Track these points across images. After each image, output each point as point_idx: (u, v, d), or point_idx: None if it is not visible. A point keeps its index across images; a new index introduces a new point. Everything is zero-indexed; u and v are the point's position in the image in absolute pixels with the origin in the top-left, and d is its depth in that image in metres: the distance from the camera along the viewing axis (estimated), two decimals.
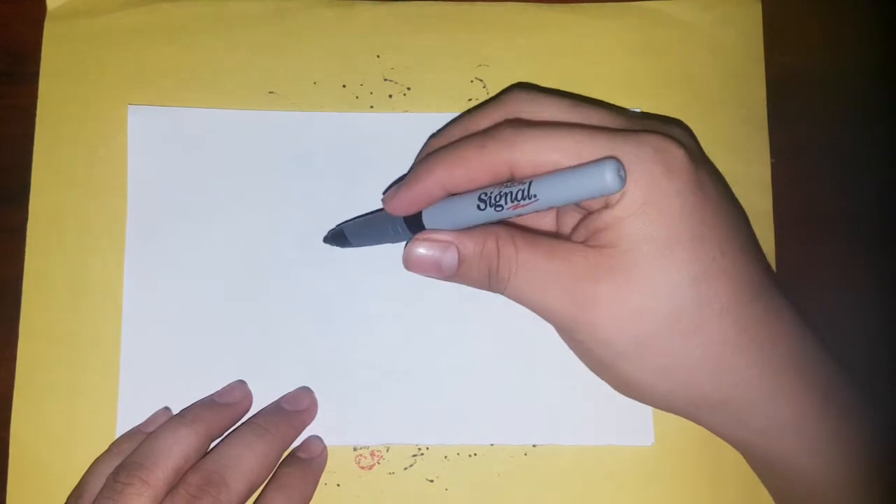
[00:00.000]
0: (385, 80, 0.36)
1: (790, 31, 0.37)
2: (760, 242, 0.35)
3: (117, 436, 0.33)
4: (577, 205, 0.28)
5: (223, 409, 0.33)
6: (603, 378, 0.30)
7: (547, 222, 0.32)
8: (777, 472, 0.30)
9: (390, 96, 0.36)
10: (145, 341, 0.34)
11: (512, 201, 0.26)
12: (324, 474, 0.33)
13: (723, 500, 0.34)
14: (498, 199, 0.26)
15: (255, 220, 0.35)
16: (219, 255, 0.35)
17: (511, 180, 0.27)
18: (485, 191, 0.27)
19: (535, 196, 0.25)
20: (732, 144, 0.36)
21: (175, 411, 0.33)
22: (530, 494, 0.34)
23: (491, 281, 0.28)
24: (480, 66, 0.36)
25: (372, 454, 0.34)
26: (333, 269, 0.35)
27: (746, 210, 0.34)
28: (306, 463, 0.33)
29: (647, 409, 0.34)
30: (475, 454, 0.34)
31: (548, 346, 0.34)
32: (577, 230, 0.28)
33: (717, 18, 0.37)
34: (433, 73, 0.36)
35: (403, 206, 0.30)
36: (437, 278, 0.29)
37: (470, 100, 0.36)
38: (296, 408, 0.33)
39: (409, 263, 0.29)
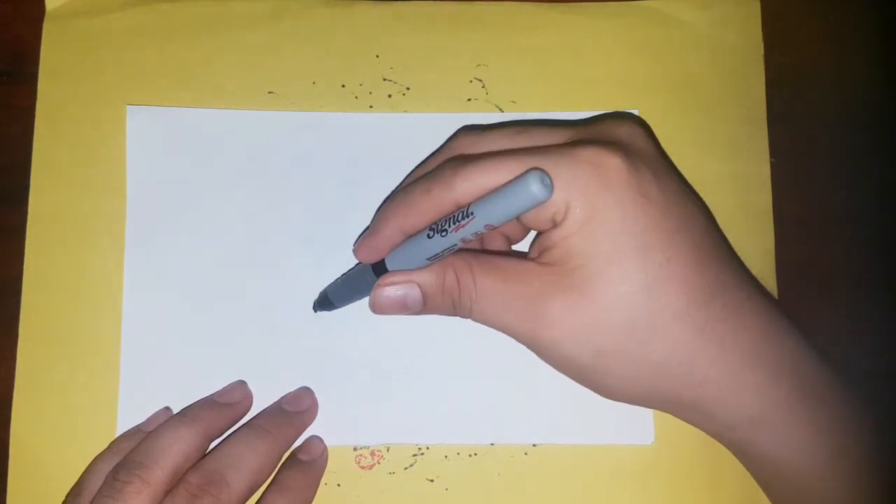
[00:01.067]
0: (384, 79, 0.36)
1: (789, 30, 0.37)
2: (760, 242, 0.35)
3: (117, 435, 0.33)
4: (528, 226, 0.29)
5: (223, 409, 0.33)
6: (581, 385, 0.30)
7: (502, 244, 0.33)
8: (756, 463, 0.30)
9: (389, 96, 0.36)
10: (145, 341, 0.34)
11: (454, 223, 0.27)
12: (324, 474, 0.33)
13: (723, 499, 0.34)
14: (443, 224, 0.28)
15: (254, 219, 0.35)
16: (218, 255, 0.35)
17: None
18: (434, 223, 0.28)
19: (472, 214, 0.26)
20: (732, 144, 0.36)
21: (175, 411, 0.33)
22: (530, 494, 0.34)
23: (456, 309, 0.30)
24: (480, 66, 0.36)
25: (372, 454, 0.34)
26: (334, 268, 0.35)
27: (746, 210, 0.34)
28: (307, 465, 0.33)
29: (647, 409, 0.34)
30: (475, 454, 0.34)
31: None
32: (532, 249, 0.29)
33: (717, 18, 0.37)
34: (432, 73, 0.36)
35: (369, 253, 0.31)
36: (405, 314, 0.30)
37: (469, 99, 0.36)
38: (296, 408, 0.33)
39: (376, 307, 0.30)
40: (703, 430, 0.30)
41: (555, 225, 0.27)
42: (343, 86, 0.36)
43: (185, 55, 0.36)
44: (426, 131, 0.36)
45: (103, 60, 0.36)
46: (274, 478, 0.32)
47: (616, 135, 0.29)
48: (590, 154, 0.27)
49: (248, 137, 0.35)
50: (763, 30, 0.36)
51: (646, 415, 0.34)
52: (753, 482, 0.33)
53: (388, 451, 0.34)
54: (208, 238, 0.35)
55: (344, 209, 0.35)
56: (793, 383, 0.28)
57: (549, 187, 0.25)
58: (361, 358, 0.34)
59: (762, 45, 0.36)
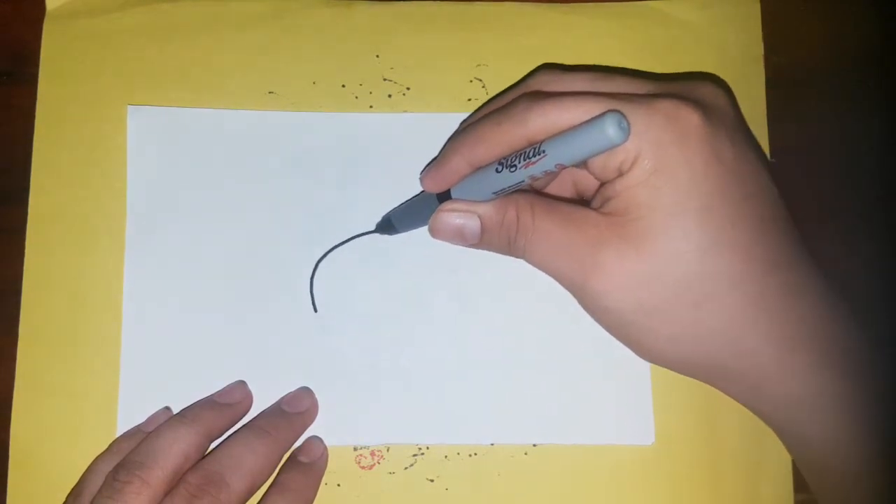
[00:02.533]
0: (384, 79, 0.36)
1: (789, 30, 0.37)
2: None
3: (117, 435, 0.33)
4: (594, 174, 0.28)
5: (223, 409, 0.33)
6: (618, 340, 0.30)
7: (571, 192, 0.32)
8: (797, 445, 0.30)
9: (390, 96, 0.36)
10: (145, 341, 0.34)
11: (524, 160, 0.27)
12: (324, 474, 0.33)
13: (723, 500, 0.34)
14: (513, 160, 0.27)
15: (254, 219, 0.35)
16: (218, 255, 0.35)
17: None
18: (504, 157, 0.28)
19: (543, 152, 0.26)
20: None
21: (175, 411, 0.33)
22: (530, 494, 0.34)
23: (510, 248, 0.29)
24: (479, 65, 0.36)
25: (372, 454, 0.34)
26: (334, 268, 0.35)
27: None
28: (308, 466, 0.33)
29: (648, 409, 0.34)
30: (475, 454, 0.34)
31: (548, 345, 0.34)
32: (595, 198, 0.29)
33: (717, 18, 0.37)
34: (432, 72, 0.36)
35: (435, 183, 0.31)
36: (461, 245, 0.30)
37: (469, 99, 0.36)
38: (296, 409, 0.33)
39: (434, 230, 0.30)
40: (744, 404, 0.30)
41: (621, 174, 0.27)
42: (343, 86, 0.36)
43: (186, 55, 0.36)
44: (426, 131, 0.36)
45: (103, 60, 0.36)
46: (274, 479, 0.32)
47: (698, 93, 0.28)
48: (668, 106, 0.26)
49: (249, 137, 0.35)
50: (763, 30, 0.36)
51: (646, 415, 0.34)
52: (753, 482, 0.33)
53: (388, 451, 0.34)
54: (208, 238, 0.35)
55: (344, 209, 0.35)
56: (842, 371, 0.28)
57: (626, 131, 0.24)
58: (361, 358, 0.34)
59: (762, 45, 0.36)
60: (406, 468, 0.34)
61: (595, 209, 0.28)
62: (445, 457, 0.34)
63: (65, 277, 0.34)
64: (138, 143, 0.35)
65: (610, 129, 0.24)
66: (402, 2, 0.37)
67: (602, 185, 0.28)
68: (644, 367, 0.34)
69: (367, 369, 0.34)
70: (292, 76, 0.36)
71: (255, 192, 0.35)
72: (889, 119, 0.36)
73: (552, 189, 0.32)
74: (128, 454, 0.30)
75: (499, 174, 0.28)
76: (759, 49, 0.36)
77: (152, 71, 0.36)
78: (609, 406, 0.34)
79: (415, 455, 0.34)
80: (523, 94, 0.30)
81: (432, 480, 0.34)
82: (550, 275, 0.29)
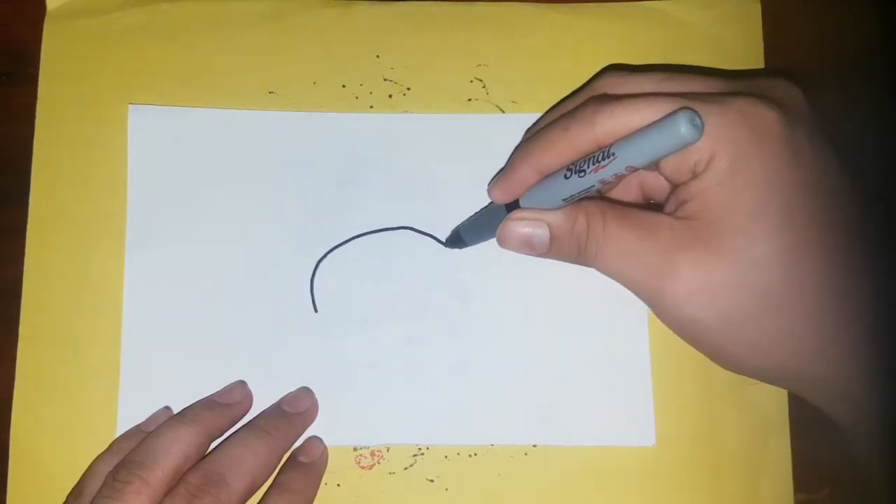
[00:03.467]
0: (385, 80, 0.36)
1: (789, 31, 0.37)
2: None
3: (117, 435, 0.33)
4: (666, 176, 0.28)
5: (223, 409, 0.33)
6: (695, 348, 0.28)
7: (637, 197, 0.32)
8: (858, 431, 0.28)
9: (390, 96, 0.36)
10: (145, 341, 0.34)
11: (593, 164, 0.26)
12: (324, 474, 0.33)
13: (723, 501, 0.34)
14: (582, 165, 0.27)
15: (254, 219, 0.35)
16: (219, 255, 0.35)
17: None
18: (572, 163, 0.27)
19: (613, 154, 0.25)
20: None
21: (175, 411, 0.33)
22: (530, 494, 0.34)
23: (580, 256, 0.29)
24: (480, 66, 0.36)
25: (372, 454, 0.34)
26: (334, 268, 0.35)
27: None
28: (307, 466, 0.33)
29: (649, 410, 0.34)
30: (475, 454, 0.34)
31: (548, 346, 0.34)
32: (668, 202, 0.28)
33: (717, 19, 0.37)
34: (433, 73, 0.36)
35: (503, 193, 0.30)
36: (530, 254, 0.30)
37: (469, 100, 0.36)
38: (296, 409, 0.33)
39: (502, 239, 0.30)
40: (830, 412, 0.28)
41: (695, 175, 0.26)
42: (343, 86, 0.36)
43: (186, 55, 0.36)
44: (426, 131, 0.36)
45: (104, 61, 0.36)
46: (274, 479, 0.32)
47: (772, 91, 0.27)
48: (743, 105, 0.26)
49: (249, 137, 0.35)
50: (763, 30, 0.36)
51: (647, 416, 0.34)
52: (753, 483, 0.33)
53: (388, 451, 0.34)
54: (208, 238, 0.35)
55: (344, 209, 0.35)
56: None
57: (700, 128, 0.23)
58: (361, 358, 0.34)
59: (762, 45, 0.36)
60: (406, 468, 0.34)
61: (669, 213, 0.27)
62: (445, 457, 0.34)
63: (65, 277, 0.34)
64: (139, 142, 0.35)
65: (682, 126, 0.23)
66: (402, 2, 0.37)
67: (675, 188, 0.27)
68: (645, 368, 0.34)
69: (367, 369, 0.34)
70: (292, 76, 0.36)
71: (255, 191, 0.35)
72: (889, 119, 0.36)
73: (617, 194, 0.31)
74: (128, 454, 0.30)
75: (567, 180, 0.27)
76: (760, 50, 0.36)
77: (152, 71, 0.36)
78: (609, 407, 0.34)
79: (415, 455, 0.34)
80: (590, 97, 0.29)
81: (432, 480, 0.34)
82: (623, 283, 0.28)
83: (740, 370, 0.28)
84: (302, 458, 0.33)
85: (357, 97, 0.36)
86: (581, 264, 0.29)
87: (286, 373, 0.34)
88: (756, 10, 0.37)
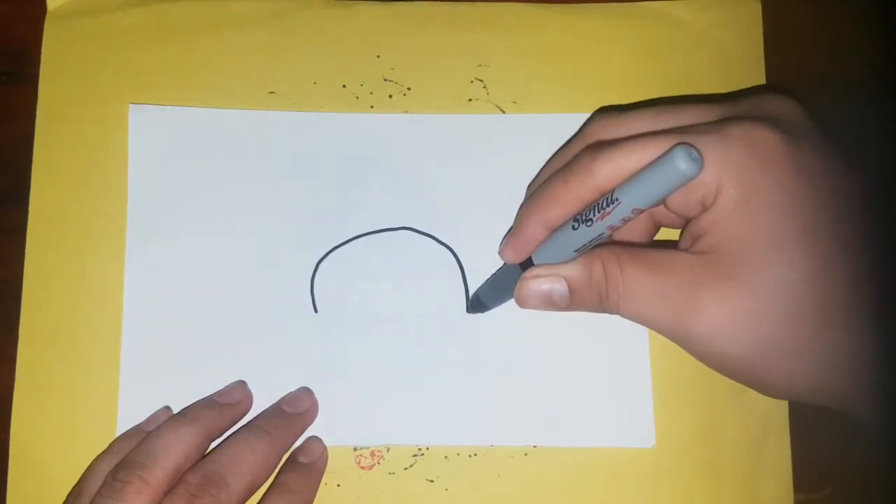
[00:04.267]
0: (385, 80, 0.36)
1: (790, 31, 0.37)
2: None
3: (117, 435, 0.33)
4: (676, 213, 0.27)
5: (223, 409, 0.33)
6: (735, 381, 0.28)
7: (648, 225, 0.31)
8: None
9: (390, 96, 0.36)
10: (145, 341, 0.34)
11: (599, 212, 0.26)
12: (324, 474, 0.33)
13: (723, 502, 0.34)
14: (588, 214, 0.26)
15: (255, 219, 0.35)
16: (219, 255, 0.35)
17: None
18: (578, 213, 0.27)
19: (616, 200, 0.25)
20: None
21: (175, 411, 0.33)
22: (530, 495, 0.34)
23: (603, 305, 0.28)
24: (480, 66, 0.36)
25: (372, 454, 0.34)
26: (334, 268, 0.35)
27: None
28: (307, 467, 0.33)
29: (649, 412, 0.34)
30: (475, 454, 0.34)
31: (549, 347, 0.34)
32: (683, 238, 0.28)
33: (717, 19, 0.37)
34: (433, 73, 0.36)
35: (515, 252, 0.30)
36: (553, 310, 0.29)
37: (470, 100, 0.36)
38: (296, 409, 0.33)
39: (521, 300, 0.29)
40: (874, 431, 0.28)
41: (705, 209, 0.25)
42: (344, 86, 0.36)
43: (186, 55, 0.36)
44: (427, 132, 0.36)
45: (104, 61, 0.36)
46: (274, 480, 0.32)
47: (768, 109, 0.27)
48: (741, 129, 0.25)
49: (249, 137, 0.35)
50: (763, 30, 0.36)
51: (647, 418, 0.34)
52: (754, 485, 0.33)
53: (388, 451, 0.34)
54: (208, 238, 0.35)
55: (344, 209, 0.35)
56: None
57: (699, 161, 0.23)
58: (361, 358, 0.34)
59: (762, 45, 0.36)
60: (406, 468, 0.34)
61: (685, 249, 0.27)
62: (445, 457, 0.34)
63: (65, 277, 0.34)
64: (139, 141, 0.35)
65: (680, 162, 0.23)
66: (402, 2, 0.37)
67: (687, 222, 0.27)
68: (645, 369, 0.34)
69: (366, 369, 0.34)
70: (293, 76, 0.36)
71: (255, 191, 0.35)
72: (890, 119, 0.36)
73: (629, 228, 0.30)
74: (128, 454, 0.30)
75: (576, 231, 0.27)
76: (760, 50, 0.36)
77: (153, 71, 0.36)
78: (609, 409, 0.34)
79: (415, 455, 0.34)
80: (586, 146, 0.29)
81: (432, 481, 0.34)
82: (650, 327, 0.27)
83: (782, 396, 0.27)
84: (302, 459, 0.33)
85: (357, 97, 0.36)
86: (606, 312, 0.28)
87: (286, 373, 0.34)
88: (756, 10, 0.37)
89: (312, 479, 0.33)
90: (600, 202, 0.26)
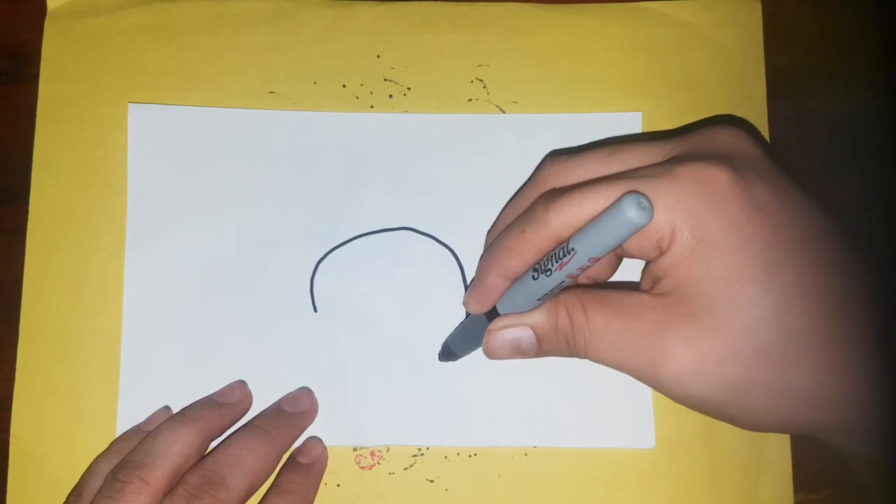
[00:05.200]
0: (385, 80, 0.36)
1: (790, 31, 0.37)
2: None
3: (117, 435, 0.33)
4: (634, 257, 0.27)
5: (223, 409, 0.33)
6: (712, 418, 0.28)
7: (613, 259, 0.31)
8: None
9: (390, 96, 0.36)
10: (145, 341, 0.34)
11: (557, 262, 0.26)
12: (324, 474, 0.33)
13: (723, 503, 0.34)
14: (546, 264, 0.26)
15: (254, 219, 0.35)
16: (219, 255, 0.35)
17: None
18: (537, 263, 0.27)
19: (573, 250, 0.25)
20: None
21: (175, 410, 0.33)
22: (530, 495, 0.34)
23: (571, 351, 0.28)
24: (480, 66, 0.36)
25: (372, 454, 0.34)
26: (333, 268, 0.35)
27: None
28: (308, 468, 0.33)
29: (648, 413, 0.34)
30: (475, 454, 0.34)
31: None
32: (643, 278, 0.28)
33: (717, 18, 0.37)
34: (433, 73, 0.36)
35: (478, 304, 0.30)
36: (522, 358, 0.29)
37: (470, 100, 0.36)
38: (296, 409, 0.33)
39: (489, 352, 0.29)
40: (851, 455, 0.28)
41: (661, 252, 0.25)
42: (344, 86, 0.36)
43: (186, 55, 0.36)
44: (427, 132, 0.36)
45: (104, 61, 0.36)
46: (274, 480, 0.32)
47: (718, 144, 0.27)
48: (691, 170, 0.25)
49: (249, 137, 0.35)
50: (763, 30, 0.36)
51: (647, 419, 0.34)
52: (753, 486, 0.33)
53: (388, 451, 0.34)
54: (208, 237, 0.35)
55: (344, 209, 0.35)
56: None
57: (648, 210, 0.23)
58: (361, 358, 0.34)
59: (762, 45, 0.36)
60: (406, 468, 0.34)
61: (647, 290, 0.27)
62: (445, 457, 0.34)
63: (65, 277, 0.34)
64: (139, 140, 0.35)
65: (630, 211, 0.23)
66: (403, 2, 0.37)
67: (648, 263, 0.27)
68: None
69: (366, 369, 0.34)
70: (293, 76, 0.36)
71: (255, 191, 0.35)
72: (890, 119, 0.36)
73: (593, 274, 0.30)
74: (128, 454, 0.30)
75: (536, 281, 0.27)
76: (760, 50, 0.36)
77: (153, 71, 0.36)
78: (609, 409, 0.34)
79: (414, 455, 0.34)
80: (540, 195, 0.29)
81: (432, 481, 0.34)
82: (620, 370, 0.27)
83: (760, 430, 0.27)
84: (301, 459, 0.33)
85: (357, 97, 0.36)
86: (576, 357, 0.28)
87: (286, 373, 0.34)
88: (756, 11, 0.37)
89: (312, 480, 0.33)
90: (557, 252, 0.26)
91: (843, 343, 0.25)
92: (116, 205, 0.35)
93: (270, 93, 0.36)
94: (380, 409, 0.34)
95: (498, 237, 0.29)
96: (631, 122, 0.36)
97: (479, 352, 0.34)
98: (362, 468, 0.34)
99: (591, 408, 0.34)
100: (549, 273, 0.26)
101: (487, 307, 0.30)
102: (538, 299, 0.28)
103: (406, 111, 0.36)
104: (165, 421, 0.32)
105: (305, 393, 0.34)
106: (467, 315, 0.32)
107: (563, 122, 0.35)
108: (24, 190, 0.35)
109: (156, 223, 0.35)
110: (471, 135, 0.36)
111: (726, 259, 0.24)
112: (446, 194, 0.35)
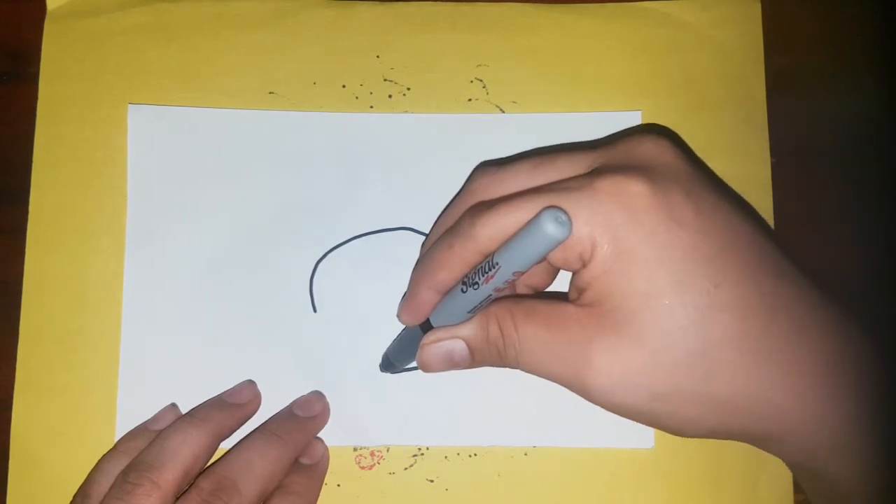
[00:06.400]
0: (385, 80, 0.36)
1: (789, 31, 0.37)
2: None
3: (117, 435, 0.33)
4: (559, 268, 0.28)
5: (233, 410, 0.33)
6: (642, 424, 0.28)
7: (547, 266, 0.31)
8: (820, 484, 0.28)
9: (390, 96, 0.36)
10: (145, 341, 0.34)
11: (483, 276, 0.26)
12: None
13: (723, 502, 0.34)
14: (474, 277, 0.27)
15: (254, 219, 0.35)
16: (218, 255, 0.35)
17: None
18: (465, 276, 0.28)
19: (497, 264, 0.25)
20: (732, 144, 0.36)
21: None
22: (530, 495, 0.34)
23: (503, 361, 0.28)
24: (480, 66, 0.36)
25: (372, 454, 0.34)
26: (333, 269, 0.35)
27: None
28: (310, 469, 0.33)
29: None
30: (475, 454, 0.34)
31: None
32: (570, 289, 0.28)
33: (718, 19, 0.37)
34: (433, 73, 0.36)
35: (410, 317, 0.30)
36: (457, 369, 0.29)
37: (470, 100, 0.36)
38: (308, 413, 0.33)
39: (424, 365, 0.29)
40: (773, 454, 0.28)
41: (584, 264, 0.26)
42: (343, 86, 0.36)
43: (186, 55, 0.36)
44: (427, 132, 0.36)
45: (104, 61, 0.36)
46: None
47: (639, 155, 0.27)
48: (609, 183, 0.25)
49: (249, 137, 0.35)
50: (763, 30, 0.36)
51: None
52: (753, 486, 0.33)
53: (388, 451, 0.34)
54: (208, 238, 0.35)
55: (344, 209, 0.35)
56: (865, 409, 0.26)
57: (567, 224, 0.23)
58: (361, 358, 0.34)
59: (762, 45, 0.36)
60: (406, 468, 0.34)
61: (574, 302, 0.27)
62: (445, 457, 0.34)
63: (65, 277, 0.34)
64: (139, 141, 0.35)
65: (549, 227, 0.23)
66: (402, 2, 0.37)
67: (574, 275, 0.27)
68: None
69: (366, 369, 0.34)
70: (293, 76, 0.36)
71: (254, 191, 0.35)
72: (890, 119, 0.36)
73: (530, 275, 0.31)
74: (138, 455, 0.30)
75: (465, 294, 0.27)
76: (760, 50, 0.36)
77: (153, 71, 0.36)
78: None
79: (415, 455, 0.34)
80: (468, 209, 0.29)
81: (432, 481, 0.34)
82: (549, 380, 0.28)
83: (692, 436, 0.28)
84: (304, 460, 0.33)
85: (357, 97, 0.36)
86: (508, 367, 0.29)
87: (285, 373, 0.34)
88: (756, 11, 0.37)
89: (315, 481, 0.33)
90: (483, 266, 0.26)
91: (768, 351, 0.25)
92: (116, 205, 0.35)
93: (270, 93, 0.36)
94: (380, 409, 0.34)
95: (428, 250, 0.30)
96: (630, 122, 0.36)
97: None
98: (362, 468, 0.34)
99: (590, 408, 0.34)
100: (476, 287, 0.27)
101: (420, 320, 0.30)
102: (469, 311, 0.28)
103: (406, 111, 0.36)
104: (175, 422, 0.32)
105: (317, 397, 0.34)
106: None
107: (563, 122, 0.35)
108: (24, 190, 0.35)
109: (155, 223, 0.35)
110: (470, 135, 0.36)
111: (644, 271, 0.25)
112: (446, 194, 0.35)
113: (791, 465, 0.29)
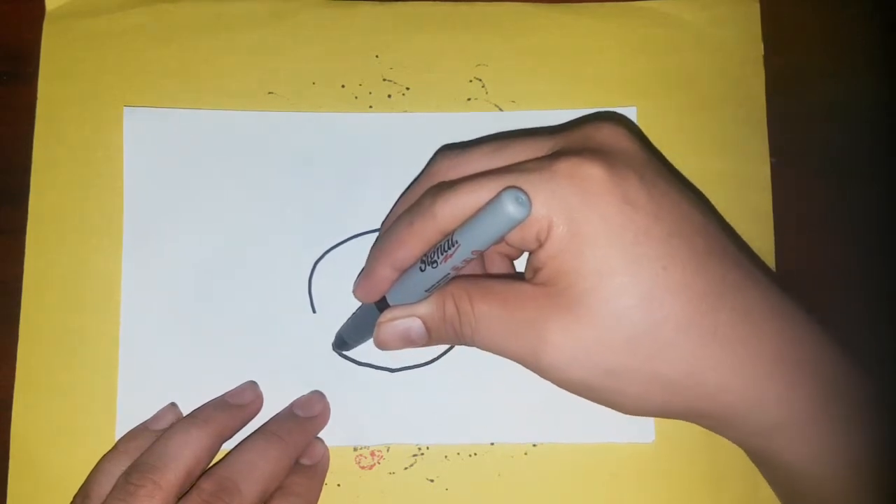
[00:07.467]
0: (384, 79, 0.36)
1: (789, 30, 0.37)
2: (760, 243, 0.35)
3: (117, 435, 0.33)
4: (517, 247, 0.29)
5: (234, 410, 0.33)
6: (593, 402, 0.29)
7: (508, 267, 0.32)
8: (775, 471, 0.30)
9: (389, 96, 0.36)
10: (144, 341, 0.34)
11: (442, 254, 0.27)
12: None
13: (723, 498, 0.34)
14: (433, 256, 0.27)
15: (252, 220, 0.35)
16: (217, 256, 0.35)
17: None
18: (424, 254, 0.28)
19: (456, 242, 0.26)
20: (732, 144, 0.36)
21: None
22: (530, 494, 0.34)
23: (459, 339, 0.29)
24: (480, 65, 0.36)
25: (372, 454, 0.34)
26: (332, 269, 0.35)
27: (746, 210, 0.34)
28: (311, 469, 0.33)
29: None
30: (475, 454, 0.34)
31: None
32: (526, 268, 0.29)
33: (717, 18, 0.37)
34: (432, 72, 0.36)
35: (366, 294, 0.31)
36: (414, 347, 0.30)
37: (469, 99, 0.36)
38: (308, 413, 0.33)
39: (380, 343, 0.30)
40: (726, 437, 0.29)
41: (540, 244, 0.27)
42: (343, 86, 0.36)
43: (186, 55, 0.36)
44: (426, 131, 0.36)
45: (103, 61, 0.36)
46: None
47: (597, 140, 0.28)
48: (567, 166, 0.26)
49: (248, 138, 0.35)
50: (763, 30, 0.36)
51: None
52: (753, 481, 0.33)
53: (388, 451, 0.34)
54: (206, 238, 0.35)
55: (344, 209, 0.35)
56: (813, 389, 0.27)
57: (526, 205, 0.24)
58: (360, 358, 0.34)
59: (762, 45, 0.36)
60: (406, 468, 0.34)
61: (529, 281, 0.28)
62: (445, 457, 0.34)
63: (65, 277, 0.34)
64: (134, 144, 0.35)
65: (509, 206, 0.24)
66: (401, 2, 0.37)
67: (530, 255, 0.28)
68: None
69: (366, 369, 0.34)
70: (292, 76, 0.36)
71: (253, 192, 0.35)
72: (890, 119, 0.36)
73: (487, 264, 0.32)
74: (140, 456, 0.30)
75: (424, 272, 0.28)
76: (759, 49, 0.36)
77: (152, 71, 0.36)
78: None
79: (415, 455, 0.34)
80: (428, 188, 0.29)
81: (432, 480, 0.34)
82: (504, 356, 0.28)
83: (638, 414, 0.28)
84: (304, 461, 0.33)
85: (356, 97, 0.36)
86: (464, 345, 0.29)
87: (284, 373, 0.34)
88: (755, 10, 0.37)
89: (316, 481, 0.33)
90: (443, 244, 0.27)
91: (713, 333, 0.26)
92: (116, 204, 0.35)
93: (269, 93, 0.36)
94: (380, 409, 0.34)
95: (388, 228, 0.30)
96: None
97: (478, 352, 0.34)
98: (362, 468, 0.34)
99: (590, 403, 0.34)
100: (435, 265, 0.27)
101: (376, 297, 0.30)
102: (426, 290, 0.29)
103: (405, 111, 0.36)
104: (177, 423, 0.32)
105: (318, 397, 0.34)
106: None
107: (563, 120, 0.35)
108: (24, 190, 0.35)
109: (154, 224, 0.35)
110: (470, 134, 0.36)
111: (597, 251, 0.26)
112: None
113: (749, 453, 0.30)
